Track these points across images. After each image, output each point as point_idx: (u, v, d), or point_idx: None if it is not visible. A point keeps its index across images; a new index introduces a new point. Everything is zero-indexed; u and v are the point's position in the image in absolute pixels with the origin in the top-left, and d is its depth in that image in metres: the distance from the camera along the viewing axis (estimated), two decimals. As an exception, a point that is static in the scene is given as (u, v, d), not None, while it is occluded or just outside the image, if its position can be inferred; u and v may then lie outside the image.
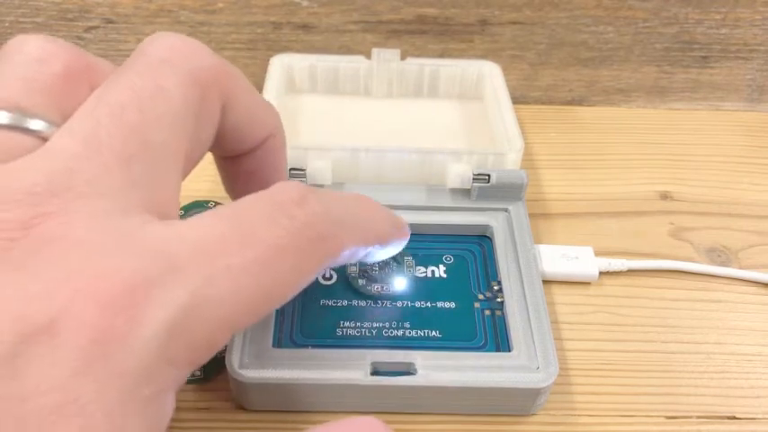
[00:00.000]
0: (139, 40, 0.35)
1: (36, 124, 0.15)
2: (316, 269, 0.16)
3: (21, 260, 0.12)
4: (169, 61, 0.16)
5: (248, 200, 0.16)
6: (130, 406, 0.12)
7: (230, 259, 0.14)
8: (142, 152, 0.15)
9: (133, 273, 0.13)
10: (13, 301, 0.12)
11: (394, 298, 0.25)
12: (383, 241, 0.19)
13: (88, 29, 0.35)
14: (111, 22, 0.35)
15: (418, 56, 0.35)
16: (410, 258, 0.25)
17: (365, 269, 0.25)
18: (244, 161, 0.19)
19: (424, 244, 0.27)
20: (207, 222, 0.15)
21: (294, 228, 0.15)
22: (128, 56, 0.16)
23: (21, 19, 0.35)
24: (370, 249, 0.19)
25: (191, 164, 0.17)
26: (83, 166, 0.14)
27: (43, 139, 0.15)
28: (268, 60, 0.33)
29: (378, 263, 0.23)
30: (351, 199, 0.18)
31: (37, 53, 0.16)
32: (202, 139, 0.17)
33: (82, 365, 0.12)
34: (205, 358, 0.14)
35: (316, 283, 0.25)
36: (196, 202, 0.29)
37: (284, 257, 0.15)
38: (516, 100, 0.35)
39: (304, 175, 0.28)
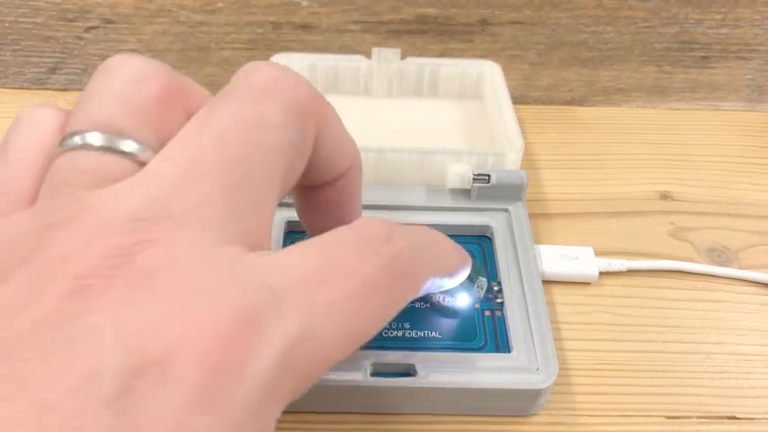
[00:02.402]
0: (139, 41, 0.36)
1: (131, 146, 0.14)
2: (401, 304, 0.16)
3: (127, 290, 0.12)
4: (270, 91, 0.16)
5: (336, 234, 0.15)
6: None
7: (328, 294, 0.14)
8: (242, 183, 0.14)
9: (242, 306, 0.12)
10: (123, 334, 0.12)
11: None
12: (453, 272, 0.19)
13: (88, 29, 0.35)
14: (111, 22, 0.35)
15: (418, 56, 0.35)
16: (483, 279, 0.25)
17: None
18: (325, 190, 0.19)
19: (424, 244, 0.27)
20: (301, 255, 0.14)
21: (383, 264, 0.15)
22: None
23: (21, 19, 0.35)
24: (443, 280, 0.19)
25: (283, 193, 0.17)
26: (184, 193, 0.14)
27: (139, 162, 0.14)
28: (268, 60, 0.33)
29: None
30: (424, 233, 0.19)
31: (135, 74, 0.15)
32: (296, 169, 0.17)
33: (196, 401, 0.11)
34: (299, 395, 0.14)
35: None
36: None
37: (376, 293, 0.15)
38: (516, 100, 0.35)
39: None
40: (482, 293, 0.25)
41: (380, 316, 0.15)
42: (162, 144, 0.15)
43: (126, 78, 0.15)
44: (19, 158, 0.15)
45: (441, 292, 0.24)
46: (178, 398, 0.11)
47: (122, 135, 0.14)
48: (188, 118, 0.15)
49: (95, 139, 0.14)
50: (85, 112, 0.15)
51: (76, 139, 0.14)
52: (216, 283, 0.13)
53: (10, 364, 0.11)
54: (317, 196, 0.20)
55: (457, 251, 0.20)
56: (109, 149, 0.14)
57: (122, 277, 0.12)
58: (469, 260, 0.21)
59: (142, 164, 0.14)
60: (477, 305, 0.25)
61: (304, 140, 0.16)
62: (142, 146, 0.14)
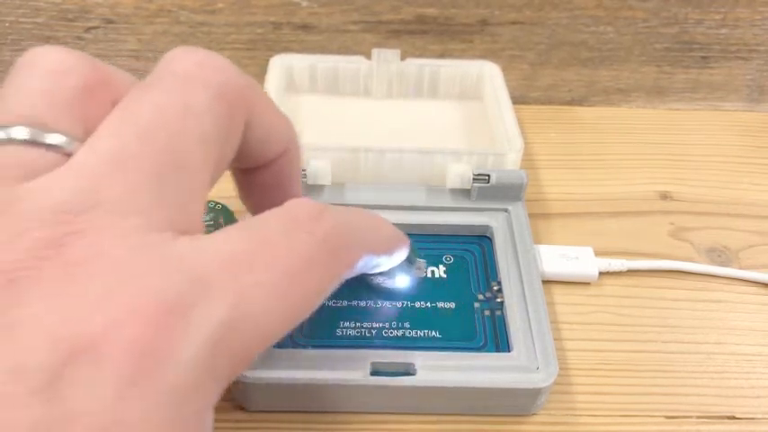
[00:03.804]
0: (139, 41, 0.36)
1: (56, 138, 0.14)
2: (336, 281, 0.16)
3: (55, 281, 0.12)
4: (196, 77, 0.16)
5: (267, 216, 0.16)
6: (177, 424, 0.12)
7: (259, 275, 0.14)
8: (169, 171, 0.14)
9: (167, 292, 0.13)
10: (52, 323, 0.12)
11: (393, 296, 0.25)
12: (389, 250, 0.20)
13: (88, 29, 0.35)
14: (111, 22, 0.35)
15: (418, 56, 0.35)
16: (422, 261, 0.26)
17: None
18: (261, 173, 0.19)
19: (423, 244, 0.27)
20: (232, 238, 0.14)
21: (314, 242, 0.15)
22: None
23: (21, 19, 0.35)
24: (378, 259, 0.19)
25: (214, 180, 0.17)
26: (110, 184, 0.14)
27: (65, 154, 0.14)
28: (268, 60, 0.33)
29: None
30: (358, 212, 0.19)
31: (55, 66, 0.15)
32: (226, 155, 0.17)
33: (127, 385, 0.11)
34: (240, 372, 0.14)
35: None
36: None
37: (309, 271, 0.15)
38: (516, 100, 0.35)
39: (304, 175, 0.28)
40: (421, 274, 0.25)
41: (314, 293, 0.15)
42: (88, 135, 0.15)
43: (48, 71, 0.15)
44: None
45: (378, 274, 0.24)
46: (108, 384, 0.11)
47: (47, 128, 0.14)
48: (113, 107, 0.15)
49: (20, 132, 0.14)
50: (8, 106, 0.15)
51: (0, 134, 0.14)
52: (141, 270, 0.13)
53: None
54: (254, 179, 0.20)
55: (392, 230, 0.20)
56: (34, 143, 0.14)
57: (50, 269, 0.12)
58: (407, 240, 0.21)
59: (69, 156, 0.14)
60: (477, 304, 0.25)
61: (232, 126, 0.16)
62: (68, 138, 0.14)
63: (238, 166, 0.19)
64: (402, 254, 0.21)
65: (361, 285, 0.25)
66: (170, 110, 0.15)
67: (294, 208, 0.16)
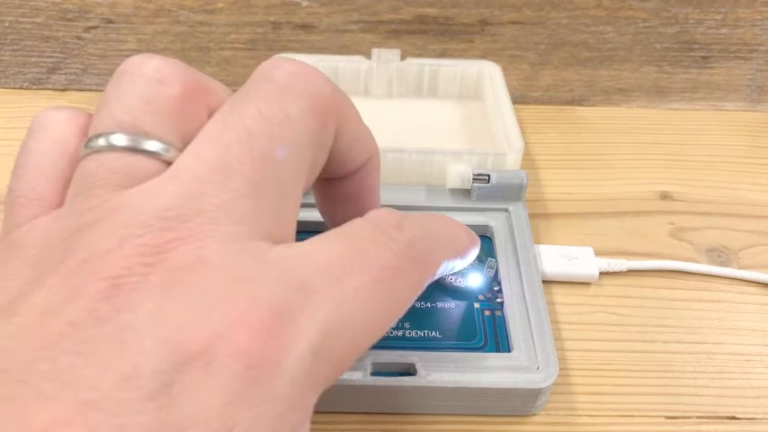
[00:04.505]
0: (139, 41, 0.36)
1: (155, 146, 0.14)
2: (421, 287, 0.17)
3: (162, 287, 0.12)
4: (292, 88, 0.16)
5: (352, 225, 0.16)
6: None
7: (355, 281, 0.14)
8: (269, 179, 0.15)
9: (274, 299, 0.13)
10: (160, 329, 0.12)
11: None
12: (464, 253, 0.20)
13: (88, 29, 0.35)
14: (111, 22, 0.35)
15: (418, 56, 0.35)
16: (493, 260, 0.26)
17: None
18: (343, 183, 0.20)
19: (424, 244, 0.27)
20: (326, 245, 0.15)
21: (401, 250, 0.16)
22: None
23: (21, 19, 0.35)
24: (455, 262, 0.19)
25: (306, 187, 0.17)
26: (213, 190, 0.14)
27: (164, 161, 0.14)
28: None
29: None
30: (433, 218, 0.19)
31: (155, 74, 0.15)
32: (317, 164, 0.17)
33: (237, 392, 0.12)
34: (334, 381, 0.14)
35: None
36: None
37: (399, 278, 0.15)
38: (516, 100, 0.35)
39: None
40: (492, 273, 0.26)
41: (404, 300, 0.16)
42: (185, 143, 0.15)
43: (147, 79, 0.15)
44: (40, 163, 0.15)
45: (453, 274, 0.24)
46: (219, 391, 0.11)
47: (147, 135, 0.15)
48: (209, 115, 0.16)
49: (120, 140, 0.14)
50: (109, 113, 0.15)
51: (101, 141, 0.14)
52: (247, 277, 0.13)
53: (52, 365, 0.11)
54: (337, 188, 0.20)
55: (465, 232, 0.20)
56: (134, 150, 0.14)
57: (156, 274, 0.12)
58: (478, 240, 0.21)
59: (167, 163, 0.14)
60: (477, 304, 0.25)
61: (325, 136, 0.17)
62: (166, 145, 0.15)
63: (323, 176, 0.19)
64: (474, 254, 0.21)
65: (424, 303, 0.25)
66: (269, 119, 0.15)
67: (376, 217, 0.16)
